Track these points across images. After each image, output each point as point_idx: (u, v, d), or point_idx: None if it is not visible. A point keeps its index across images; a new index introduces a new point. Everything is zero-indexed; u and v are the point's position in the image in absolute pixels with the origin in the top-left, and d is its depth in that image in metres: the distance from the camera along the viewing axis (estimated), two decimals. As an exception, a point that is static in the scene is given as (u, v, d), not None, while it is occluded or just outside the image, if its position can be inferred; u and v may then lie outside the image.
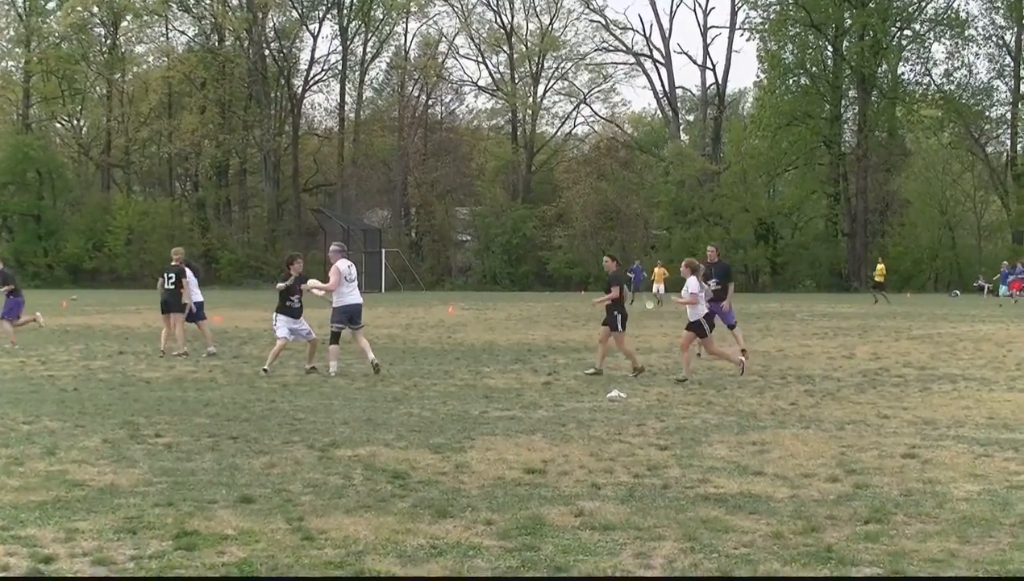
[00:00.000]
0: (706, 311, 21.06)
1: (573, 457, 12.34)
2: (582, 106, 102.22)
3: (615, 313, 21.78)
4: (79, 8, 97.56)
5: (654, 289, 56.57)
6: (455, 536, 8.90)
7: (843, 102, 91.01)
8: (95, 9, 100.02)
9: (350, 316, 21.94)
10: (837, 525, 9.29)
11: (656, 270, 58.61)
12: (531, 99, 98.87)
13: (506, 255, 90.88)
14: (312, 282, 22.89)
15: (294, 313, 22.01)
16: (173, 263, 26.78)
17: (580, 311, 46.84)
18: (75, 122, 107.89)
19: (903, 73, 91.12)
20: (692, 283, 21.02)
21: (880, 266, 62.36)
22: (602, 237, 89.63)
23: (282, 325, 21.87)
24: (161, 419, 15.20)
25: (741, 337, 25.85)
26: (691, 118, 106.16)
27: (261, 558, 8.28)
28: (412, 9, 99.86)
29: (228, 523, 9.25)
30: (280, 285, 22.11)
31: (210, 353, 25.68)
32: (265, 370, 21.27)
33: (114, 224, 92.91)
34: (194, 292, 26.79)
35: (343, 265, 22.02)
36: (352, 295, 22.02)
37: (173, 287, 26.32)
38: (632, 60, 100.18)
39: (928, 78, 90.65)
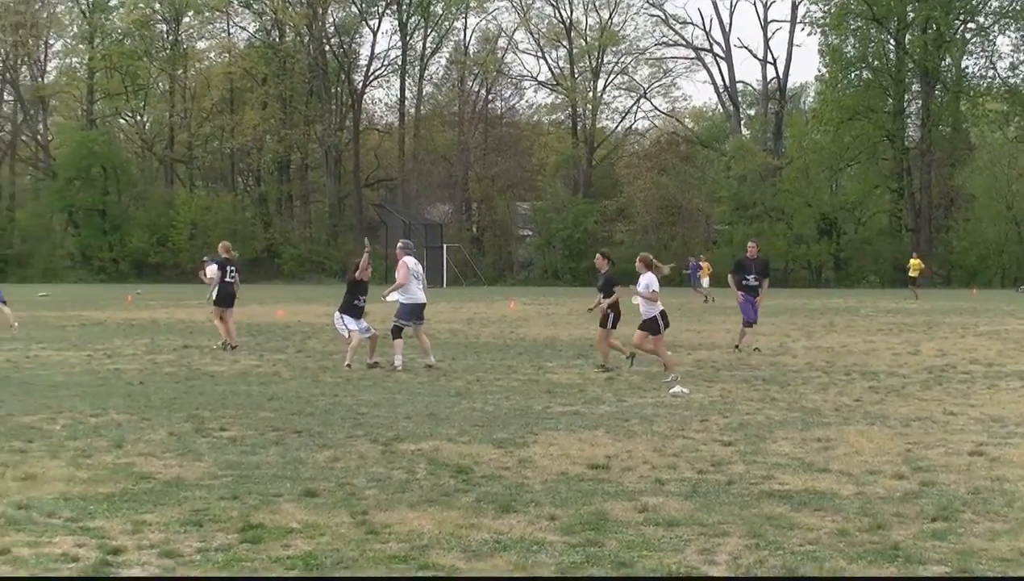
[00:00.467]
0: (662, 308, 20.71)
1: (636, 453, 12.32)
2: (642, 101, 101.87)
3: (610, 312, 21.62)
4: (141, 5, 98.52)
5: (703, 283, 56.36)
6: (519, 531, 8.90)
7: (906, 96, 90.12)
8: (157, 5, 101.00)
9: (417, 313, 22.05)
10: (904, 523, 9.22)
11: (703, 265, 58.26)
12: (591, 94, 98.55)
13: (567, 250, 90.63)
14: (387, 291, 23.09)
15: (357, 312, 22.11)
16: (227, 256, 27.02)
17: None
18: (138, 118, 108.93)
19: (967, 66, 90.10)
20: (653, 280, 20.83)
21: (914, 261, 61.69)
22: (663, 232, 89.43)
23: (350, 323, 21.93)
24: (226, 413, 15.30)
25: (752, 337, 25.90)
26: (752, 113, 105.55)
27: (326, 551, 8.31)
28: (471, 4, 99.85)
29: (293, 516, 9.30)
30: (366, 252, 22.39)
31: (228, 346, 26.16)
32: (348, 365, 21.34)
33: (177, 219, 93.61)
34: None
35: (411, 261, 22.11)
36: (420, 292, 22.13)
37: (233, 280, 26.62)
38: (692, 55, 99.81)
39: (993, 71, 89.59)
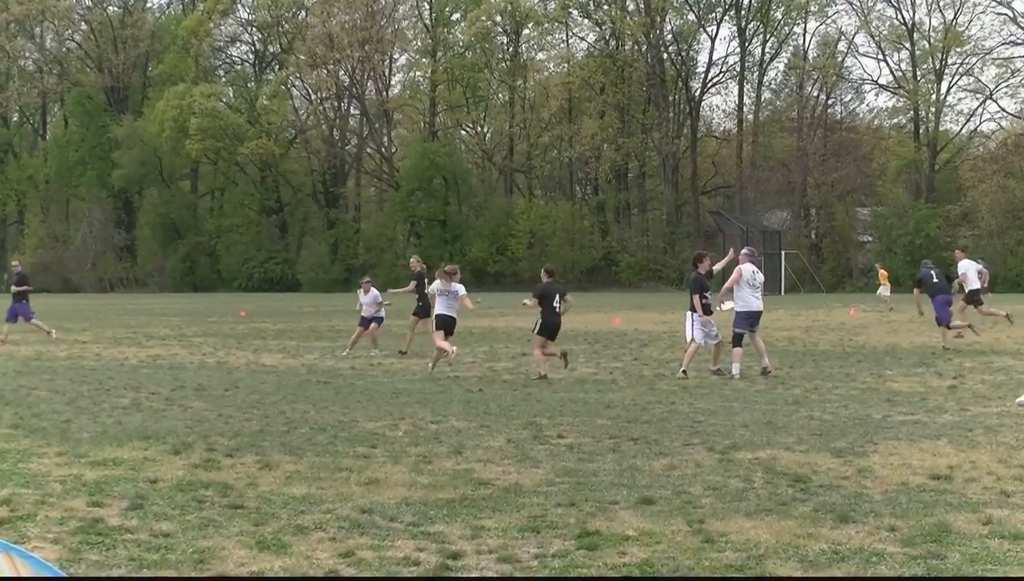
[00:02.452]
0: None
1: (981, 463, 11.90)
2: (988, 102, 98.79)
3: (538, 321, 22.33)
4: (483, 18, 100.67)
5: (879, 291, 54.15)
6: (857, 542, 8.71)
7: None
8: (498, 18, 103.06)
9: (752, 321, 21.88)
10: None
11: (881, 272, 55.82)
12: (934, 96, 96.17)
13: (909, 256, 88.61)
14: (720, 299, 23.02)
15: (706, 310, 22.02)
16: (419, 270, 29.02)
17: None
18: (479, 129, 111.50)
19: None
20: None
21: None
22: (1009, 237, 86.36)
23: (697, 327, 21.90)
24: (563, 420, 15.43)
25: None
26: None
27: (662, 559, 8.29)
28: (812, 9, 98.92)
29: (629, 524, 9.30)
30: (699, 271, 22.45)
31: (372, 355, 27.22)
32: (684, 372, 21.31)
33: (516, 228, 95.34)
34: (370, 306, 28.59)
35: (747, 269, 21.98)
36: (756, 300, 21.97)
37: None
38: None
39: None
